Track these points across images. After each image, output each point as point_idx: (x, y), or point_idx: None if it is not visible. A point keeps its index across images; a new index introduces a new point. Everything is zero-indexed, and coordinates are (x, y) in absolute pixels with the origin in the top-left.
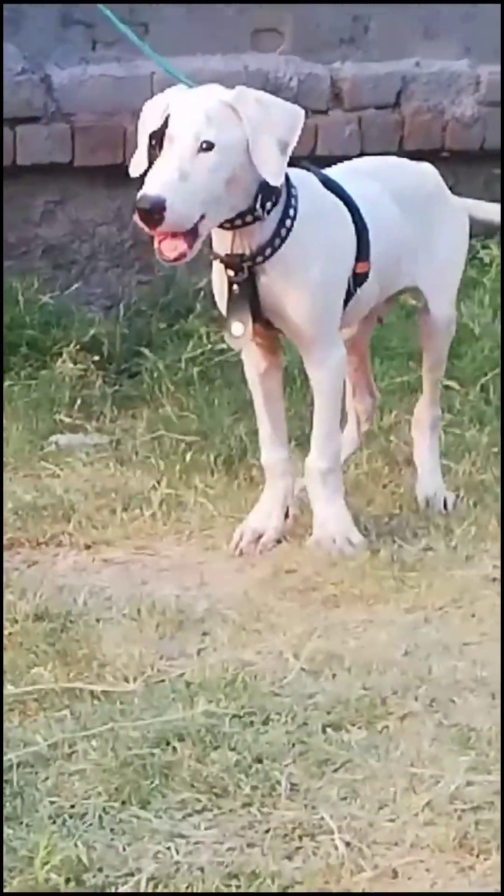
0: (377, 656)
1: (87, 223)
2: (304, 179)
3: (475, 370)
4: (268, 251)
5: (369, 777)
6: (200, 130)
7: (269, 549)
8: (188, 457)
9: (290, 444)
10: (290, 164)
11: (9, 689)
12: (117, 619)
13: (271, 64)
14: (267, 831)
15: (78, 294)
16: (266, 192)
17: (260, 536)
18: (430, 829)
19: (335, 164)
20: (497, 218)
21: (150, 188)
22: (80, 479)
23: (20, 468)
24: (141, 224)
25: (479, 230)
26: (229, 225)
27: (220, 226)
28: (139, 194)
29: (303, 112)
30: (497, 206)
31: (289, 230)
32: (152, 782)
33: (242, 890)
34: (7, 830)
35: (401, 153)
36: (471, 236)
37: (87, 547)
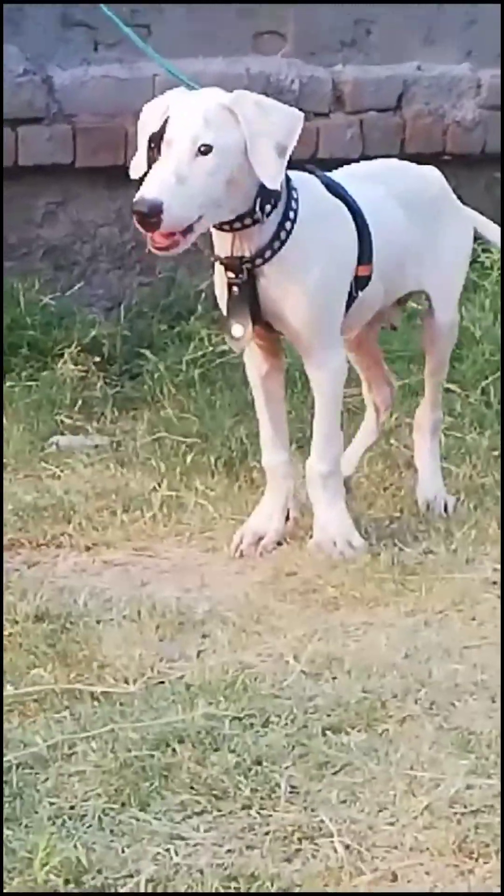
0: (377, 659)
1: (89, 224)
2: (305, 182)
3: (476, 374)
4: (267, 253)
5: (369, 780)
6: (199, 133)
7: (269, 551)
8: (189, 458)
9: (290, 447)
10: (293, 167)
11: (8, 689)
12: (117, 621)
13: (273, 66)
14: (266, 834)
15: (79, 295)
16: (265, 194)
17: (260, 539)
18: (429, 832)
19: (336, 166)
20: (498, 241)
21: (148, 191)
22: (81, 480)
23: (21, 469)
24: (138, 226)
25: (480, 234)
26: (229, 227)
27: (220, 228)
28: (136, 197)
29: (302, 115)
30: (498, 230)
31: (289, 233)
32: (152, 784)
33: (242, 892)
34: (6, 831)
35: (402, 156)
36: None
37: (88, 548)
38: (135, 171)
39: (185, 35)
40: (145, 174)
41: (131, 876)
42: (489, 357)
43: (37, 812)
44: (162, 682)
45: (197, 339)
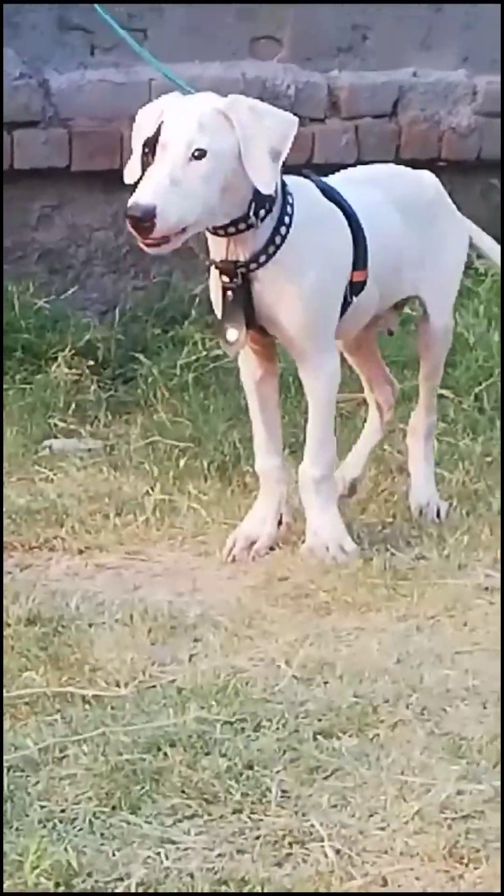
0: (369, 664)
1: (84, 228)
2: (301, 187)
3: (469, 380)
4: (262, 258)
5: (360, 785)
6: (193, 138)
7: (261, 555)
8: (182, 463)
9: (283, 452)
10: (288, 172)
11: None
12: (109, 624)
13: (269, 72)
14: (257, 838)
15: (74, 299)
16: (260, 199)
17: (253, 543)
18: (420, 837)
19: (331, 172)
20: (495, 258)
21: (142, 196)
22: (74, 483)
23: (14, 472)
24: (131, 231)
25: (475, 245)
26: (224, 232)
27: (215, 232)
28: (130, 201)
29: (296, 120)
30: (497, 248)
31: (283, 237)
32: (143, 788)
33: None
34: None
35: (397, 162)
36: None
37: (80, 552)
38: (129, 176)
39: (182, 39)
40: (139, 179)
41: (122, 879)
42: (483, 363)
43: (28, 815)
44: (153, 686)
45: (191, 343)
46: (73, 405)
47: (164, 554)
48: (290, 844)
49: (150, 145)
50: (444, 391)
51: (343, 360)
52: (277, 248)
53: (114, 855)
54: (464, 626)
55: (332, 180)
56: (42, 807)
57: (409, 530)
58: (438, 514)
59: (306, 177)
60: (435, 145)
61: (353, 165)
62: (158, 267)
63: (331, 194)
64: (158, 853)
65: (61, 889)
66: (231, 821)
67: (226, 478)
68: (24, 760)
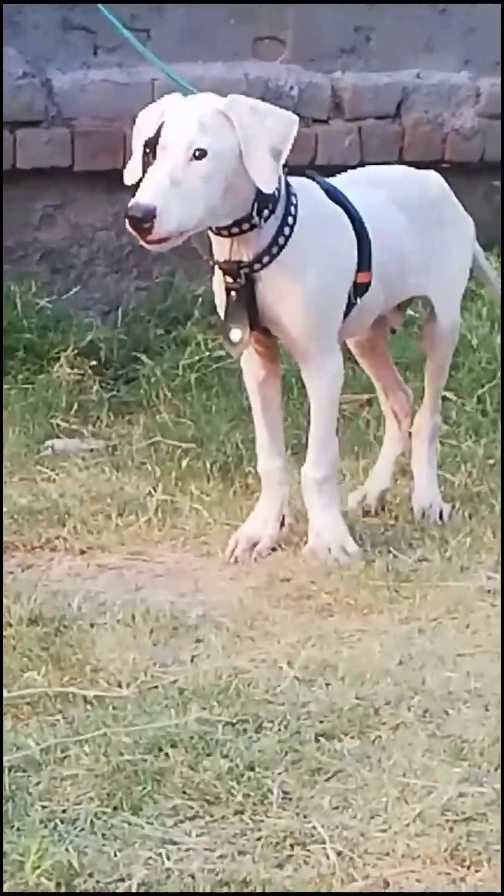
0: (371, 666)
1: (87, 228)
2: (304, 187)
3: (472, 382)
4: (265, 259)
5: (361, 787)
6: (193, 138)
7: (263, 556)
8: (184, 463)
9: (286, 453)
10: (293, 173)
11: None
12: (111, 625)
13: (272, 72)
14: (258, 839)
15: (76, 299)
16: (263, 199)
17: (255, 544)
18: (421, 839)
19: (335, 173)
20: (494, 284)
21: (143, 196)
22: (76, 483)
23: (16, 472)
24: (131, 231)
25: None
26: (227, 232)
27: (218, 232)
28: (131, 202)
29: (297, 119)
30: (497, 276)
31: (287, 238)
32: (144, 788)
33: None
34: None
35: (400, 164)
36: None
37: (82, 552)
38: (129, 177)
39: (185, 40)
40: (140, 180)
41: (123, 880)
42: (486, 365)
43: (29, 815)
44: (155, 687)
45: (193, 343)
46: (76, 405)
47: (166, 554)
48: (292, 846)
49: (151, 146)
50: (446, 393)
51: (346, 361)
52: (281, 248)
53: (115, 855)
54: (466, 629)
55: (336, 181)
56: (43, 807)
57: (411, 532)
58: (441, 517)
59: (310, 177)
60: (438, 147)
61: (357, 167)
62: (161, 267)
63: (335, 195)
64: (160, 854)
65: (62, 889)
66: (232, 822)
67: (228, 479)
68: (25, 760)
